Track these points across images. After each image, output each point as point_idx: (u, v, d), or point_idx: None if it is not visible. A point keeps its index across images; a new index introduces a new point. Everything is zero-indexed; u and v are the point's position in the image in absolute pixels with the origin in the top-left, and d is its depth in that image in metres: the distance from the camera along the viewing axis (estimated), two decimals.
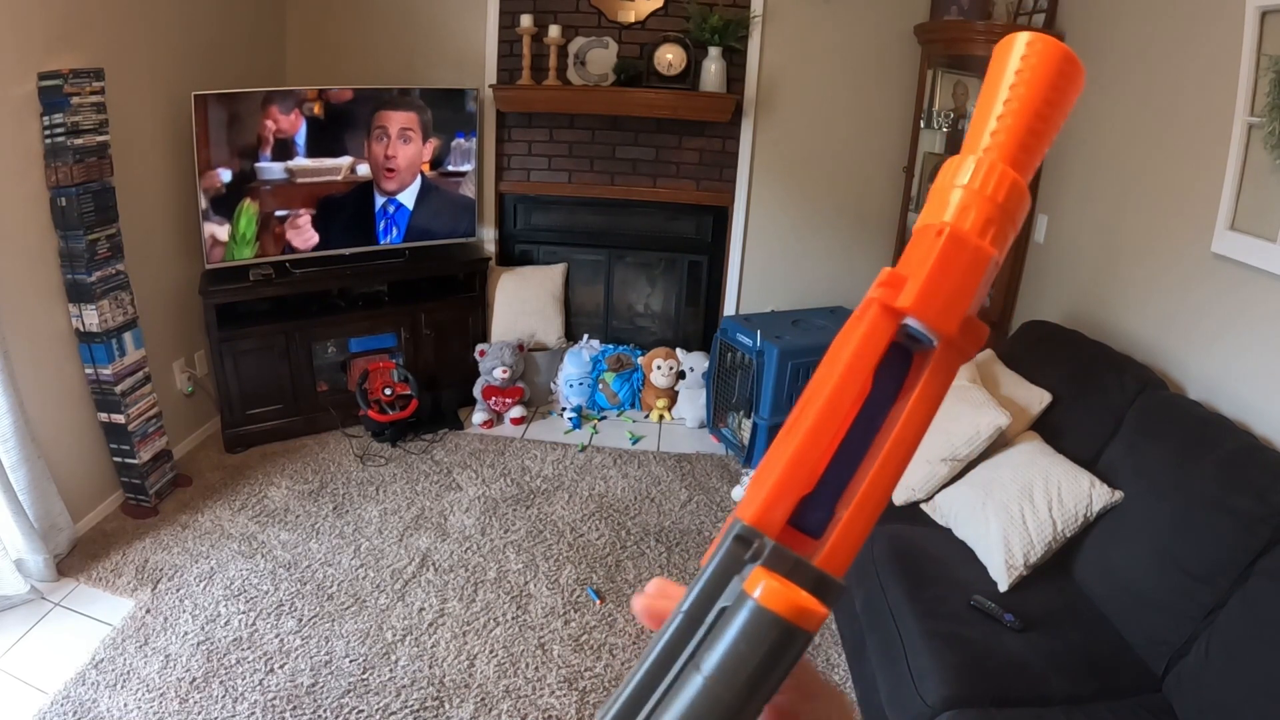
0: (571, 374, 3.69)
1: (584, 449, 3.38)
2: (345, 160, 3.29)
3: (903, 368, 0.27)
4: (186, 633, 2.22)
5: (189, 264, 3.14)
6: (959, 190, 0.25)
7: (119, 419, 2.65)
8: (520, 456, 3.29)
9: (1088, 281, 2.77)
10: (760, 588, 0.23)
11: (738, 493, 3.07)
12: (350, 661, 2.16)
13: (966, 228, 0.25)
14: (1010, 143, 0.26)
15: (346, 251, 3.38)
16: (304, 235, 3.29)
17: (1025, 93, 0.26)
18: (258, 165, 3.11)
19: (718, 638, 0.23)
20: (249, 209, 3.13)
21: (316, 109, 3.16)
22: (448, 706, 2.04)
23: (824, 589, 0.24)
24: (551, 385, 3.80)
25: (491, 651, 2.23)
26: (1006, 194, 0.25)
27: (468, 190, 3.60)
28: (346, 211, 3.37)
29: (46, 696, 1.98)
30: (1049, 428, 2.29)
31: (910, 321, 0.25)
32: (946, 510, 2.22)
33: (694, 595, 0.24)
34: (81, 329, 2.53)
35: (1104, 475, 2.03)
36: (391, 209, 3.46)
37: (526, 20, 3.40)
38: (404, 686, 2.09)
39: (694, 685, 0.22)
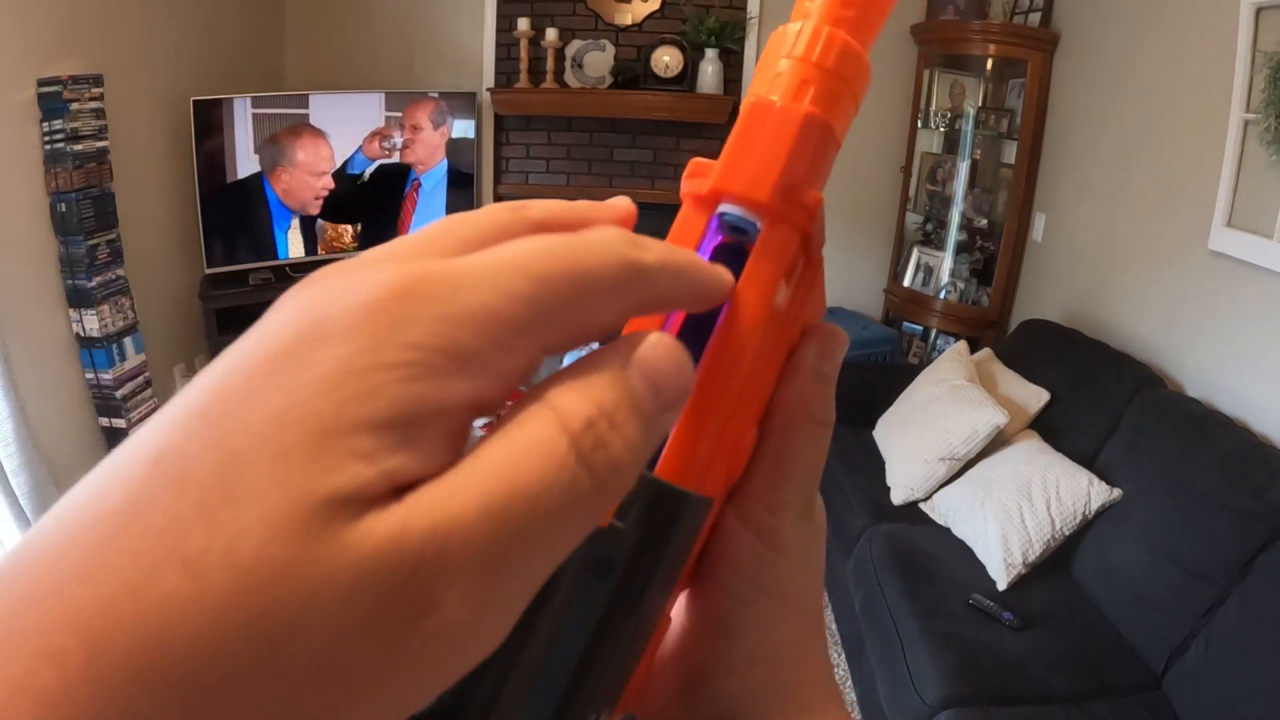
0: None
1: None
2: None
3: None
4: None
5: (189, 268, 3.15)
6: (783, 60, 0.23)
7: (120, 424, 2.66)
8: None
9: (1085, 280, 2.77)
10: None
11: None
12: None
13: (776, 95, 0.22)
14: (834, 3, 0.23)
15: (345, 254, 3.39)
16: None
17: None
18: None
19: None
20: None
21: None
22: None
23: (659, 496, 0.20)
24: None
25: None
26: (824, 53, 0.22)
27: (466, 193, 3.60)
28: (345, 214, 3.38)
29: None
30: (1047, 426, 2.29)
31: (727, 210, 0.22)
32: (945, 509, 2.22)
33: None
34: (82, 334, 2.54)
35: (1102, 473, 2.03)
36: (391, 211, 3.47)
37: (524, 23, 3.40)
38: None
39: None
